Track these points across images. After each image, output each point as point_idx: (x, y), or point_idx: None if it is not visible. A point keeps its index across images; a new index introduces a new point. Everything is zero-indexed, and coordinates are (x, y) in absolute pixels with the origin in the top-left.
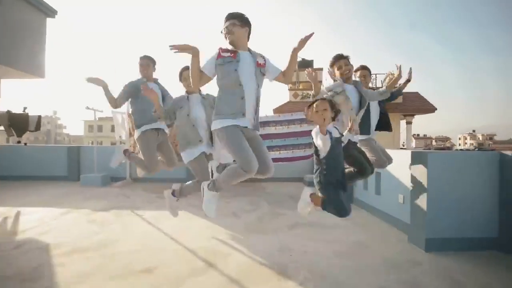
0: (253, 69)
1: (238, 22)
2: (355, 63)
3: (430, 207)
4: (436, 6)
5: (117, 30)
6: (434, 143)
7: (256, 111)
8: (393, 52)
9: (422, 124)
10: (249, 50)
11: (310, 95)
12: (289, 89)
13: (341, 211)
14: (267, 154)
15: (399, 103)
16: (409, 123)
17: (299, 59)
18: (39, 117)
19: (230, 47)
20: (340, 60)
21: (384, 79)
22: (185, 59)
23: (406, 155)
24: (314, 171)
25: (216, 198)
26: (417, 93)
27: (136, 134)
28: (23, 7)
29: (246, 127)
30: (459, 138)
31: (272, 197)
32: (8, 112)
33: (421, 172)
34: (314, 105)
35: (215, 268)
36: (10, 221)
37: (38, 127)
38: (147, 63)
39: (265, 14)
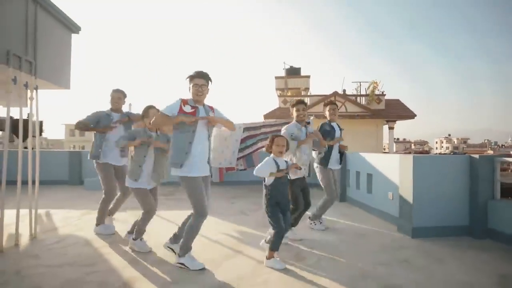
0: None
1: (207, 83)
2: (349, 71)
3: (415, 201)
4: (432, 13)
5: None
6: (413, 146)
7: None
8: (386, 60)
9: (401, 129)
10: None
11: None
12: (278, 96)
13: (276, 226)
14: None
15: (382, 109)
16: (391, 128)
17: (287, 66)
18: (41, 122)
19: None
20: (299, 104)
21: (368, 87)
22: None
23: (394, 158)
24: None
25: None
26: (398, 100)
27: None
28: (53, 24)
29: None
30: (436, 142)
31: None
32: (11, 118)
33: (408, 172)
34: (275, 139)
35: (242, 253)
36: (39, 221)
37: (40, 132)
38: (119, 96)
39: (249, 17)
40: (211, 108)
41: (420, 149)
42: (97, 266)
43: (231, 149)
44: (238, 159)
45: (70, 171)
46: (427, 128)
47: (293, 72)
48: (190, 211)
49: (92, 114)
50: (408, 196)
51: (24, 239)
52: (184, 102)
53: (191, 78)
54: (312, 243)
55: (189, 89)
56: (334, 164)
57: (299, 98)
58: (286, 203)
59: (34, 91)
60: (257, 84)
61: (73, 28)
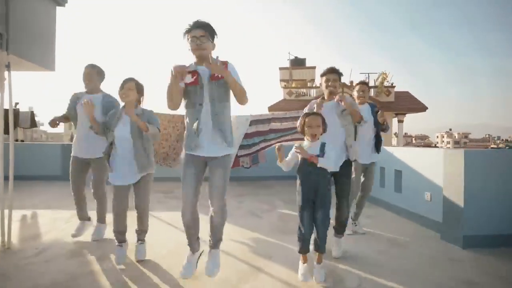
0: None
1: (209, 35)
2: (347, 64)
3: (467, 205)
4: (431, 8)
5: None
6: (414, 141)
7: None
8: (386, 54)
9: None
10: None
11: (304, 93)
12: (283, 87)
13: (298, 228)
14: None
15: (391, 101)
16: (400, 121)
17: (291, 57)
18: (32, 113)
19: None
20: (329, 73)
21: (377, 79)
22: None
23: (435, 153)
24: None
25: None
26: (408, 92)
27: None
28: None
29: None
30: (437, 136)
31: (285, 195)
32: None
33: (457, 170)
34: (307, 119)
35: (263, 271)
36: (19, 225)
37: (33, 123)
38: (89, 72)
39: (248, 11)
40: (224, 63)
41: (422, 144)
42: None
43: (236, 144)
44: (243, 156)
45: (63, 166)
46: (426, 122)
47: (298, 63)
48: (204, 214)
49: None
50: (457, 198)
51: None
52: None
53: (187, 32)
54: (345, 257)
55: (187, 48)
56: (362, 157)
57: (330, 67)
58: (322, 198)
59: (6, 70)
60: (260, 76)
61: None
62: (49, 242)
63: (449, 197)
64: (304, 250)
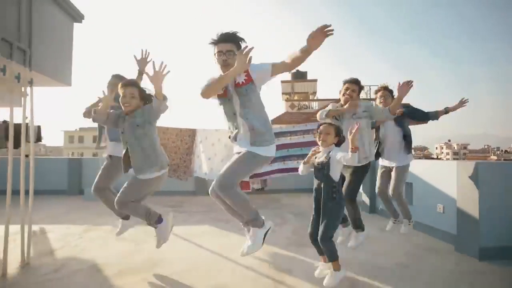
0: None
1: (236, 47)
2: (347, 74)
3: (482, 216)
4: (431, 16)
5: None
6: (413, 152)
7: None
8: (388, 64)
9: None
10: None
11: (306, 106)
12: (285, 100)
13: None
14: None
15: None
16: None
17: (293, 71)
18: (39, 127)
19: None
20: (347, 83)
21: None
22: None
23: (447, 165)
24: None
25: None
26: (408, 104)
27: None
28: (53, 9)
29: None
30: (436, 148)
31: (293, 208)
32: (5, 122)
33: (470, 182)
34: (320, 128)
35: (284, 284)
36: (32, 241)
37: (39, 138)
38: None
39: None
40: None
41: (421, 155)
42: None
43: None
44: (252, 176)
45: (69, 180)
46: (425, 132)
47: (299, 76)
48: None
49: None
50: (472, 210)
51: (14, 267)
52: None
53: (214, 45)
54: (364, 268)
55: (214, 59)
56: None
57: (352, 78)
58: (324, 211)
59: (29, 86)
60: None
61: (76, 16)
62: (66, 258)
63: (463, 209)
64: (317, 251)
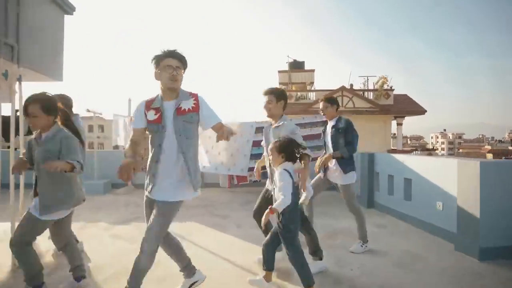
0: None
1: (183, 67)
2: (347, 65)
3: (483, 215)
4: (429, 8)
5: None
6: (409, 142)
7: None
8: (386, 56)
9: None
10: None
11: (304, 96)
12: None
13: None
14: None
15: (391, 105)
16: (399, 124)
17: (290, 60)
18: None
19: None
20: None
21: (377, 82)
22: None
23: (447, 163)
24: None
25: None
26: (406, 95)
27: None
28: (41, 1)
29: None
30: (432, 137)
31: None
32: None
33: (471, 180)
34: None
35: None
36: None
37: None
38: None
39: (246, 12)
40: (193, 95)
41: (416, 145)
42: None
43: (241, 152)
44: (250, 169)
45: None
46: (422, 122)
47: (296, 66)
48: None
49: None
50: (473, 209)
51: (5, 271)
52: (148, 104)
53: (159, 59)
54: (365, 270)
55: (156, 76)
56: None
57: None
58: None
59: (17, 82)
60: (258, 79)
61: (66, 7)
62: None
63: (464, 208)
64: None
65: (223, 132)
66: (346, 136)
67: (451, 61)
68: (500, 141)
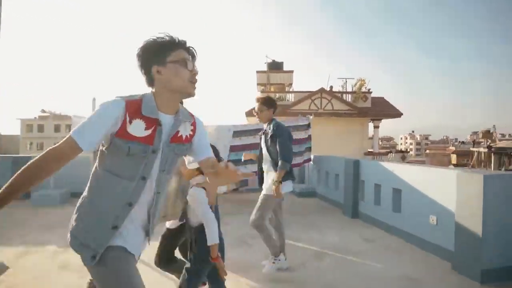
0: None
1: None
2: (326, 67)
3: (486, 232)
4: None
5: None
6: (380, 142)
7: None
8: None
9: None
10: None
11: (283, 98)
12: (260, 92)
13: None
14: None
15: (368, 107)
16: (376, 127)
17: (269, 60)
18: None
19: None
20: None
21: (355, 84)
22: None
23: (444, 174)
24: None
25: None
26: (383, 98)
27: None
28: None
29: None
30: (401, 138)
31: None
32: None
33: (473, 194)
34: None
35: None
36: None
37: None
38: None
39: (223, 10)
40: (191, 116)
41: (387, 146)
42: None
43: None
44: None
45: None
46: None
47: (275, 66)
48: None
49: None
50: (474, 227)
51: None
52: (132, 108)
53: (170, 48)
54: None
55: (158, 75)
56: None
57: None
58: None
59: None
60: (236, 79)
61: None
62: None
63: (463, 224)
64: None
65: (228, 171)
66: (278, 143)
67: (419, 62)
68: (462, 142)
